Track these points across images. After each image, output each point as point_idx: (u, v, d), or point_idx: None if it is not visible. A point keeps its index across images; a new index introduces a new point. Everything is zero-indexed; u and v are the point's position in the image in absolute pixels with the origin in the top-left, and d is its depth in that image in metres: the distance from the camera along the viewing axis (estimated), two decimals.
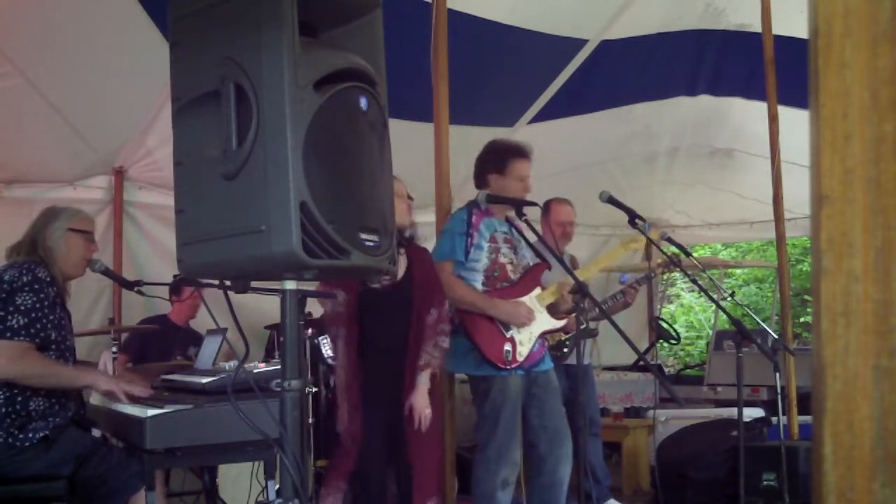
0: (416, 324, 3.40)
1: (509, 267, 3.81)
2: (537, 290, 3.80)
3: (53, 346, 3.07)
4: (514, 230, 3.84)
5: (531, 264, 3.87)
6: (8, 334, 2.95)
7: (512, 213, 3.88)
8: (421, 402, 3.33)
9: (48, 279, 3.08)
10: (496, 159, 3.87)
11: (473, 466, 3.72)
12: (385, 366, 3.38)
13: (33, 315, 2.99)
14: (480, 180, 3.90)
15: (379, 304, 3.38)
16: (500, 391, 3.64)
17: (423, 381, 3.36)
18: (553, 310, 3.87)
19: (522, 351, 3.68)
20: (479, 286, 3.72)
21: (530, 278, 3.82)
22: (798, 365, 5.32)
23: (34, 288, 3.01)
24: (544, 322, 3.77)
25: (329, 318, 3.43)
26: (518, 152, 3.86)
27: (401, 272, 3.43)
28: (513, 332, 3.69)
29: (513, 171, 3.83)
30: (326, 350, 4.87)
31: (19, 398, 2.98)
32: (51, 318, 3.05)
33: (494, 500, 3.61)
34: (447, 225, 3.83)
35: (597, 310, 4.01)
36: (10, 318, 2.96)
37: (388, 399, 3.38)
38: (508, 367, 3.64)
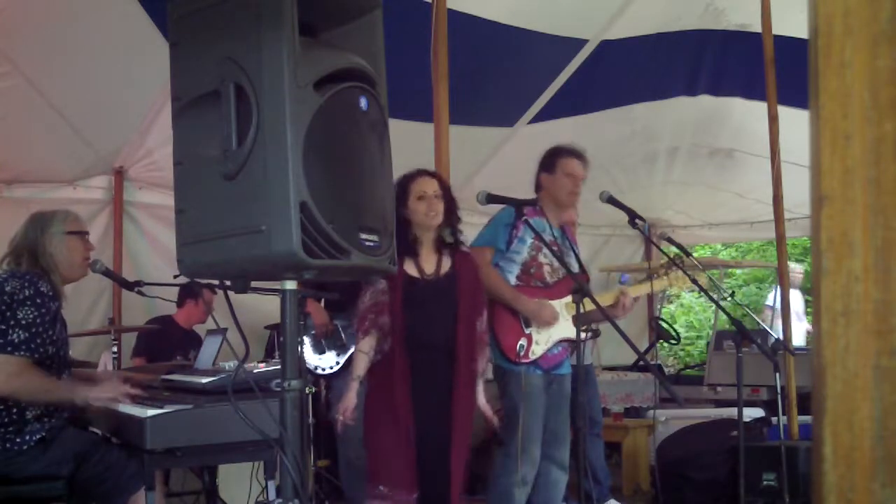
0: (464, 329, 3.35)
1: (547, 268, 3.82)
2: (568, 298, 3.79)
3: (49, 362, 3.06)
4: (566, 239, 3.86)
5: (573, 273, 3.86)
6: (9, 349, 2.92)
7: (568, 217, 4.00)
8: (486, 406, 3.44)
9: (50, 293, 3.06)
10: (546, 161, 3.97)
11: (494, 463, 3.74)
12: (425, 362, 3.29)
13: (34, 330, 2.97)
14: (535, 183, 3.99)
15: (421, 299, 3.31)
16: (517, 388, 3.65)
17: (482, 387, 3.43)
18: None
19: (536, 350, 3.69)
20: (513, 278, 3.76)
21: (565, 285, 3.80)
22: (798, 365, 5.32)
23: (36, 303, 2.99)
24: (566, 329, 3.76)
25: (368, 308, 3.28)
26: (566, 151, 3.96)
27: (442, 269, 3.39)
28: (532, 330, 3.71)
29: (561, 168, 3.91)
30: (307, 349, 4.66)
31: (14, 409, 2.96)
32: (50, 333, 3.03)
33: (511, 496, 3.63)
34: (496, 215, 3.89)
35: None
36: (10, 332, 2.93)
37: (431, 396, 3.28)
38: (518, 362, 3.66)
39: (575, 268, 3.84)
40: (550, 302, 3.76)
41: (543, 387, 3.75)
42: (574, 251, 3.89)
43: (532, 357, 3.69)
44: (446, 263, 3.41)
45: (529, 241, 3.77)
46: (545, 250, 3.79)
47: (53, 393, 3.03)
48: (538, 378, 3.72)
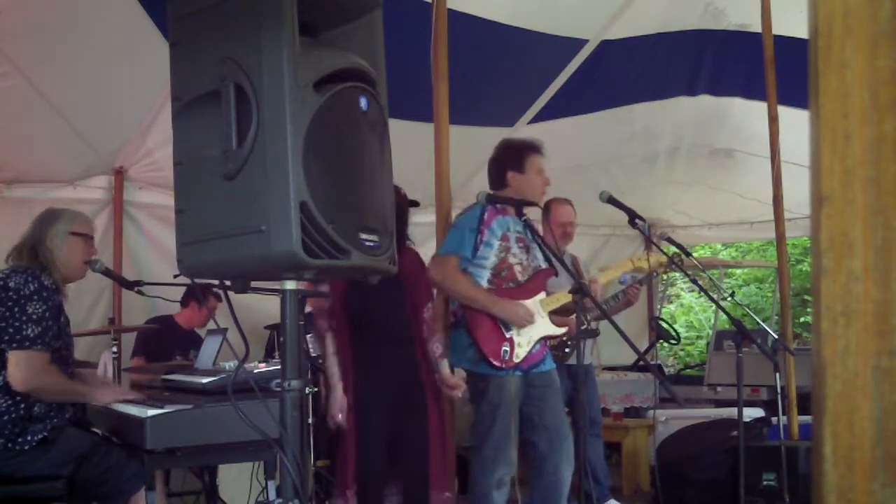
0: (416, 315, 3.57)
1: (518, 268, 3.79)
2: (542, 295, 3.77)
3: (56, 356, 3.09)
4: (528, 231, 3.84)
5: (541, 267, 3.85)
6: (26, 343, 2.95)
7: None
8: (452, 377, 3.64)
9: (53, 287, 3.08)
10: (513, 157, 3.87)
11: (470, 466, 3.73)
12: (384, 356, 3.48)
13: (44, 324, 3.00)
14: (499, 181, 3.88)
15: (365, 292, 3.37)
16: (498, 392, 3.63)
17: (446, 365, 3.64)
18: (562, 313, 3.89)
19: (520, 353, 3.67)
20: (484, 283, 3.71)
21: (536, 282, 3.80)
22: (798, 365, 5.31)
23: (42, 296, 3.02)
24: (544, 327, 3.76)
25: (318, 313, 3.53)
26: (533, 148, 3.88)
27: None
28: (513, 333, 3.68)
29: (531, 166, 3.84)
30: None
31: (22, 404, 2.98)
32: (55, 327, 3.06)
33: (490, 499, 3.62)
34: (459, 219, 3.83)
35: (597, 310, 4.00)
36: (24, 327, 2.96)
37: (391, 390, 3.45)
38: (504, 367, 3.64)
39: (542, 262, 3.83)
40: (526, 301, 3.73)
41: (522, 388, 3.73)
42: (537, 243, 3.84)
43: (517, 360, 3.66)
44: None
45: (496, 243, 3.73)
46: (514, 250, 3.78)
47: (69, 395, 3.08)
48: (517, 380, 3.69)
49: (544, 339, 3.80)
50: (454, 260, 3.69)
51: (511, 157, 3.88)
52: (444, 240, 3.85)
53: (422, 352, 3.61)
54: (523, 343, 3.69)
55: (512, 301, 3.69)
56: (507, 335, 3.67)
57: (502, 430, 3.62)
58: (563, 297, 3.76)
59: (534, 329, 3.72)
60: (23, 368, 2.94)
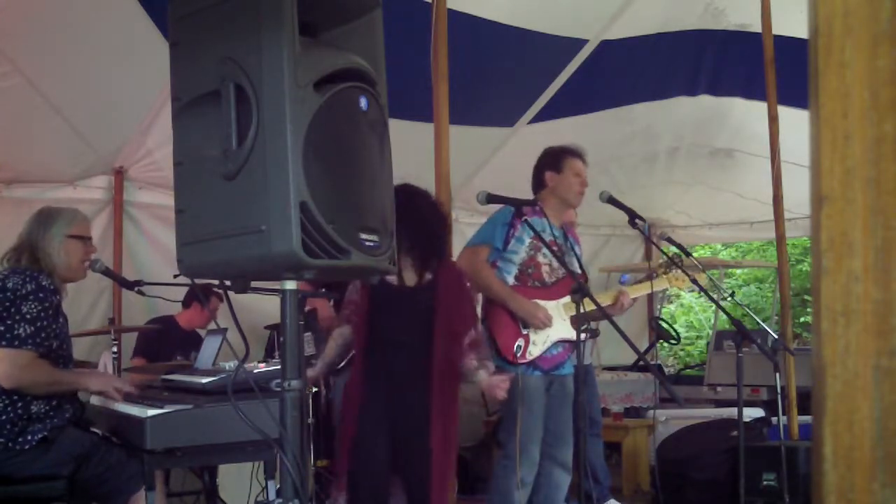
0: (443, 338, 3.36)
1: (546, 268, 3.81)
2: (566, 299, 3.76)
3: (53, 355, 3.09)
4: (568, 239, 3.86)
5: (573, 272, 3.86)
6: (16, 343, 2.96)
7: (568, 217, 4.03)
8: (493, 378, 3.39)
9: (51, 288, 3.09)
10: (552, 160, 3.98)
11: (494, 464, 3.76)
12: (393, 364, 3.38)
13: (38, 324, 3.01)
14: (538, 182, 3.99)
15: (391, 306, 3.39)
16: (514, 389, 3.63)
17: (483, 375, 3.38)
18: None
19: (533, 351, 3.69)
20: (511, 278, 3.75)
21: (563, 286, 3.78)
22: (798, 365, 5.31)
23: (38, 297, 3.02)
24: (563, 330, 3.75)
25: (346, 302, 3.51)
26: (572, 152, 3.99)
27: (424, 280, 3.45)
28: (529, 331, 3.70)
29: (569, 168, 3.93)
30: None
31: (19, 403, 2.99)
32: (53, 327, 3.07)
33: (510, 498, 3.64)
34: (494, 214, 3.91)
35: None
36: (16, 326, 2.97)
37: (394, 399, 3.38)
38: (517, 362, 3.65)
39: (575, 268, 3.84)
40: (549, 303, 3.74)
41: (543, 388, 3.74)
42: (575, 252, 3.89)
43: (529, 357, 3.68)
44: (428, 275, 3.46)
45: (527, 240, 3.76)
46: (544, 250, 3.78)
47: (60, 384, 3.08)
48: (537, 379, 3.71)
49: (562, 342, 3.80)
50: (484, 250, 3.77)
51: (549, 160, 3.99)
52: (478, 230, 3.97)
53: (442, 368, 3.36)
54: (538, 342, 3.71)
55: (532, 302, 3.70)
56: (524, 332, 3.70)
57: (525, 431, 3.63)
58: (588, 304, 3.76)
59: (552, 330, 3.72)
60: (7, 366, 2.96)
